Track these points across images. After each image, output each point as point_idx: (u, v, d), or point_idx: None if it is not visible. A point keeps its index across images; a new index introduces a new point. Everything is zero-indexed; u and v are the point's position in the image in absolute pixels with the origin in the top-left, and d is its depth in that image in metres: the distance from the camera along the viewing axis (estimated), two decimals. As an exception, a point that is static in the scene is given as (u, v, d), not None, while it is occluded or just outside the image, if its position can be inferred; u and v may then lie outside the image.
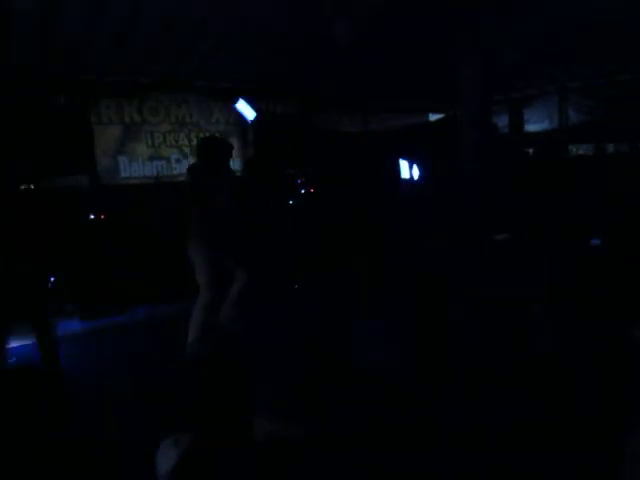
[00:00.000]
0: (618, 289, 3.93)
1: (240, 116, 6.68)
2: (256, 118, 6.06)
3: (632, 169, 6.15)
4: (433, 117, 9.77)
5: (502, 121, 9.09)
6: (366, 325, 4.27)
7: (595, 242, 5.23)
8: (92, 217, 6.19)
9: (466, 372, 3.26)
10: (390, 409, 2.94)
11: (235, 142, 7.69)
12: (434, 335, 3.90)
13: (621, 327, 3.39)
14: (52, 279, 4.76)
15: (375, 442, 2.63)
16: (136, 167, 6.92)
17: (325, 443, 2.60)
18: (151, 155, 7.02)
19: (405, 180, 7.26)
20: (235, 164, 7.39)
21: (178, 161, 7.20)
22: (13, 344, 4.15)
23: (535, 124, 9.07)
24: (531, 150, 8.22)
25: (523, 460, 2.40)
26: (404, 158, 7.31)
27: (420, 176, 7.10)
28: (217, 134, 7.15)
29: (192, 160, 7.27)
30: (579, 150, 8.56)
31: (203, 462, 1.52)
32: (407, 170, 7.28)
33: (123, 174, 6.82)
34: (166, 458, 1.62)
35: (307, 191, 7.53)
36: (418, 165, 7.13)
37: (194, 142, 7.31)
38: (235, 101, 6.27)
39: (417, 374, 3.34)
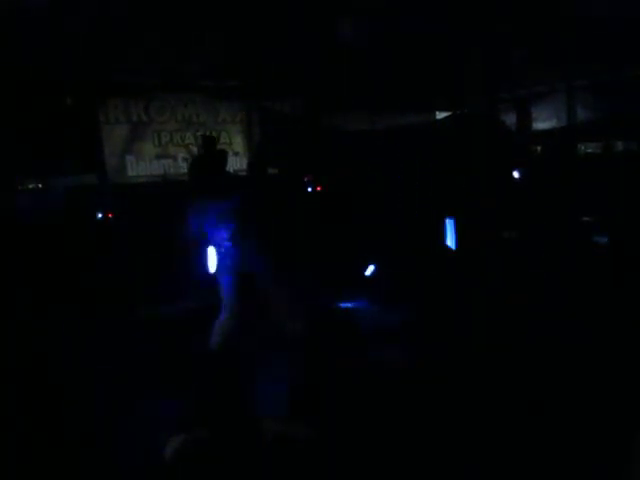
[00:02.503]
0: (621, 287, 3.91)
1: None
2: None
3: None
4: (440, 115, 9.73)
5: (510, 119, 9.04)
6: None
7: (602, 240, 5.18)
8: (100, 216, 6.25)
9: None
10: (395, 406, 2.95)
11: (241, 141, 7.72)
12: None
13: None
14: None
15: (380, 440, 2.64)
16: (143, 166, 6.97)
17: (330, 442, 2.62)
18: (158, 154, 7.05)
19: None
20: (242, 162, 7.42)
21: (185, 160, 7.23)
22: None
23: (543, 122, 9.02)
24: (539, 148, 8.18)
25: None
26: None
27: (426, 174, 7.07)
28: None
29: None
30: (587, 149, 8.50)
31: (206, 453, 1.54)
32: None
33: (130, 173, 6.86)
34: (178, 457, 1.65)
35: (314, 190, 7.53)
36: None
37: (200, 141, 7.34)
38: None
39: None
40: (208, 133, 7.29)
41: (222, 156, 3.83)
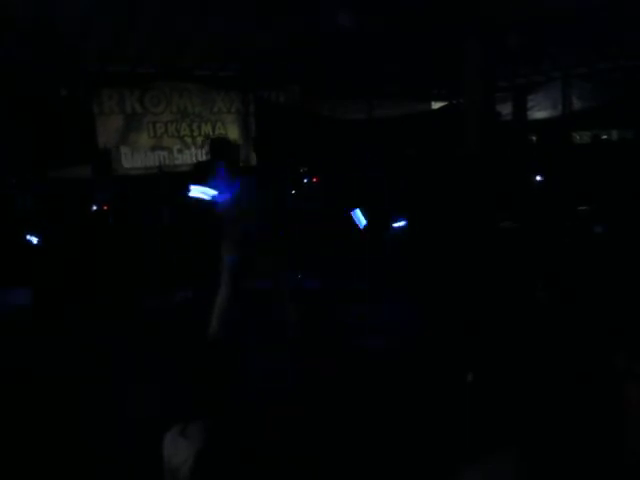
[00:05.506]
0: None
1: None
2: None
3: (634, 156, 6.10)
4: (436, 105, 9.71)
5: (506, 108, 9.01)
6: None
7: (598, 229, 5.19)
8: (95, 208, 6.18)
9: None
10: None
11: (236, 131, 7.67)
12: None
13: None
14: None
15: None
16: (138, 158, 6.91)
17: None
18: (153, 145, 6.99)
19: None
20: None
21: (180, 151, 7.17)
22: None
23: (539, 111, 9.01)
24: (534, 137, 8.18)
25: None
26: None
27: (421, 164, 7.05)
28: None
29: (195, 151, 7.27)
30: (583, 137, 8.52)
31: (223, 449, 1.54)
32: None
33: (125, 164, 6.80)
34: (176, 449, 1.63)
35: (310, 180, 7.49)
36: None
37: (196, 132, 7.29)
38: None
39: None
40: (204, 124, 7.25)
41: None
